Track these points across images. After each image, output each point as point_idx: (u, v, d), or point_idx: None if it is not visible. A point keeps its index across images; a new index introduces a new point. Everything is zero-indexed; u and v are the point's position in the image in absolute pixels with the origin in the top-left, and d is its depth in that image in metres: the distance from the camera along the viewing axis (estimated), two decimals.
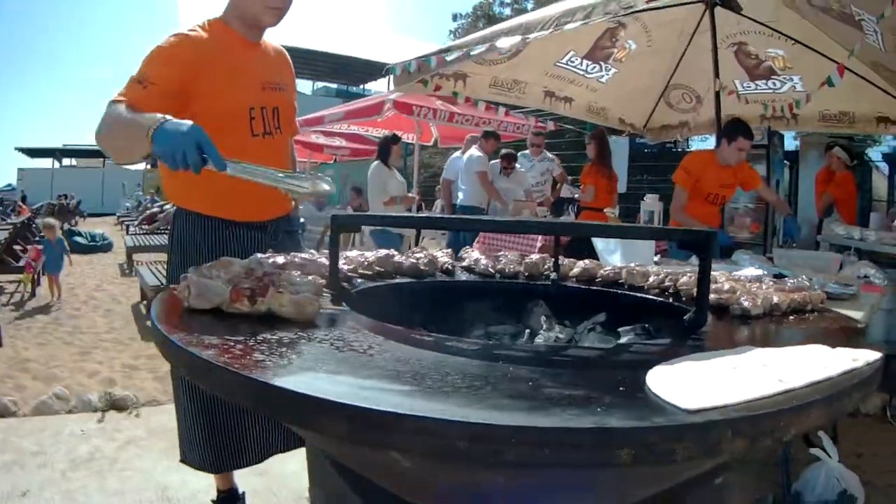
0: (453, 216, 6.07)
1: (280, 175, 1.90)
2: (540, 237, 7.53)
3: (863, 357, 1.19)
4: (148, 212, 19.67)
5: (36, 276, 9.29)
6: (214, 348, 1.09)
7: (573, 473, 1.03)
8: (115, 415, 4.33)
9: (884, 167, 14.56)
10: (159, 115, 1.86)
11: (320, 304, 1.33)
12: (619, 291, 2.04)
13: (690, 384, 1.02)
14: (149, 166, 40.12)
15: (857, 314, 2.99)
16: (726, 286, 1.85)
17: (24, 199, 33.67)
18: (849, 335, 1.60)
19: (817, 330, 1.65)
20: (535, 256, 2.27)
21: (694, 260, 4.41)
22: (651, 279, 2.05)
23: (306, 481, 3.04)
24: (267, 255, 1.83)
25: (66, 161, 42.00)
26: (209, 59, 2.28)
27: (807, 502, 3.19)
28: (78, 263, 12.47)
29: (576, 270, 2.19)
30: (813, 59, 6.35)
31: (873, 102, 6.47)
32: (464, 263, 2.28)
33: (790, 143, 12.67)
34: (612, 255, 4.00)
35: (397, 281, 1.98)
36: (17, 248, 10.66)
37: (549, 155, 9.96)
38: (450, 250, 2.41)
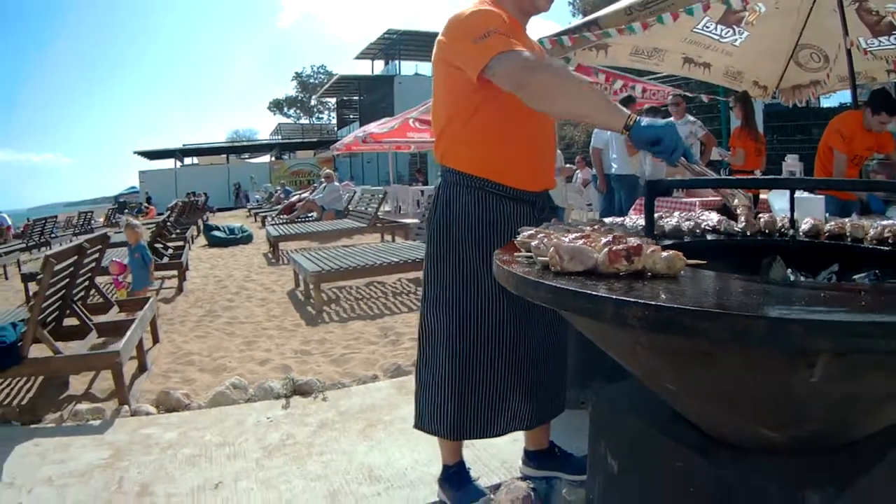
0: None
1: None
2: (697, 202, 7.46)
3: None
4: (286, 201, 20.09)
5: (183, 272, 9.35)
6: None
7: None
8: (301, 400, 4.25)
9: None
10: (627, 111, 2.03)
11: (684, 259, 1.41)
12: (858, 245, 2.09)
13: None
14: (273, 159, 41.44)
15: None
16: None
17: (148, 199, 34.92)
18: None
19: None
20: (767, 216, 2.33)
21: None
22: (871, 232, 2.10)
23: (512, 452, 3.17)
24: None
25: (186, 160, 43.05)
26: (508, 26, 2.35)
27: None
28: (220, 256, 12.82)
29: (804, 227, 2.25)
30: None
31: None
32: (704, 226, 2.33)
33: None
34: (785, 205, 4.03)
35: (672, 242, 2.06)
36: (158, 245, 10.83)
37: (691, 118, 9.81)
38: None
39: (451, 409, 2.61)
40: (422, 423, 2.74)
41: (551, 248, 1.43)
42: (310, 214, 15.92)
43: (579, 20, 6.60)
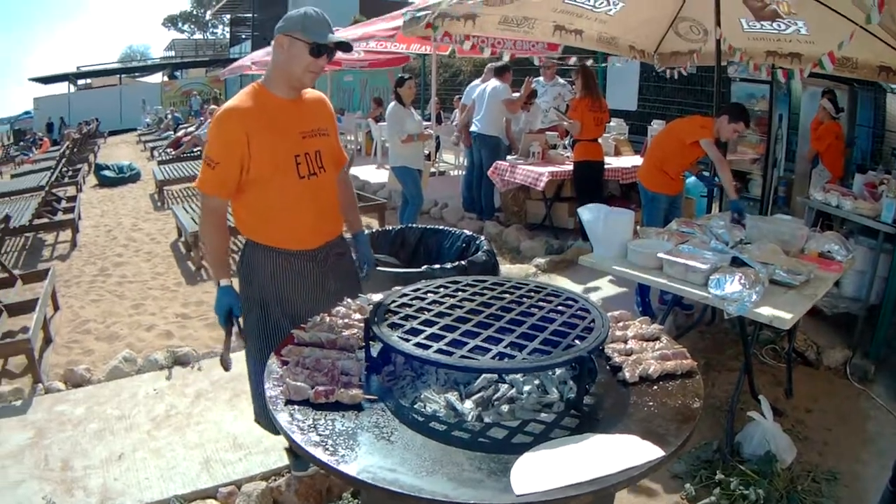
0: None
1: None
2: (547, 172, 8.07)
3: (649, 455, 1.71)
4: (172, 134, 19.91)
5: (76, 227, 9.63)
6: (320, 447, 1.79)
7: None
8: (181, 370, 4.85)
9: None
10: (223, 281, 2.87)
11: (362, 395, 2.01)
12: None
13: (529, 472, 1.63)
14: (166, 78, 40.19)
15: (787, 314, 3.43)
16: (630, 344, 2.36)
17: (49, 127, 32.19)
18: (677, 417, 1.96)
19: (656, 409, 2.01)
20: None
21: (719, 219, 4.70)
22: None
23: None
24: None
25: (81, 83, 41.38)
26: (254, 123, 2.73)
27: (744, 453, 3.78)
28: (110, 199, 12.98)
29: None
30: (815, 6, 6.33)
31: (876, 52, 6.44)
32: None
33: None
34: (597, 225, 4.33)
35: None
36: (50, 199, 10.88)
37: (561, 80, 10.29)
38: None
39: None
40: (256, 418, 3.40)
41: (283, 384, 2.04)
42: (195, 149, 16.15)
43: None
